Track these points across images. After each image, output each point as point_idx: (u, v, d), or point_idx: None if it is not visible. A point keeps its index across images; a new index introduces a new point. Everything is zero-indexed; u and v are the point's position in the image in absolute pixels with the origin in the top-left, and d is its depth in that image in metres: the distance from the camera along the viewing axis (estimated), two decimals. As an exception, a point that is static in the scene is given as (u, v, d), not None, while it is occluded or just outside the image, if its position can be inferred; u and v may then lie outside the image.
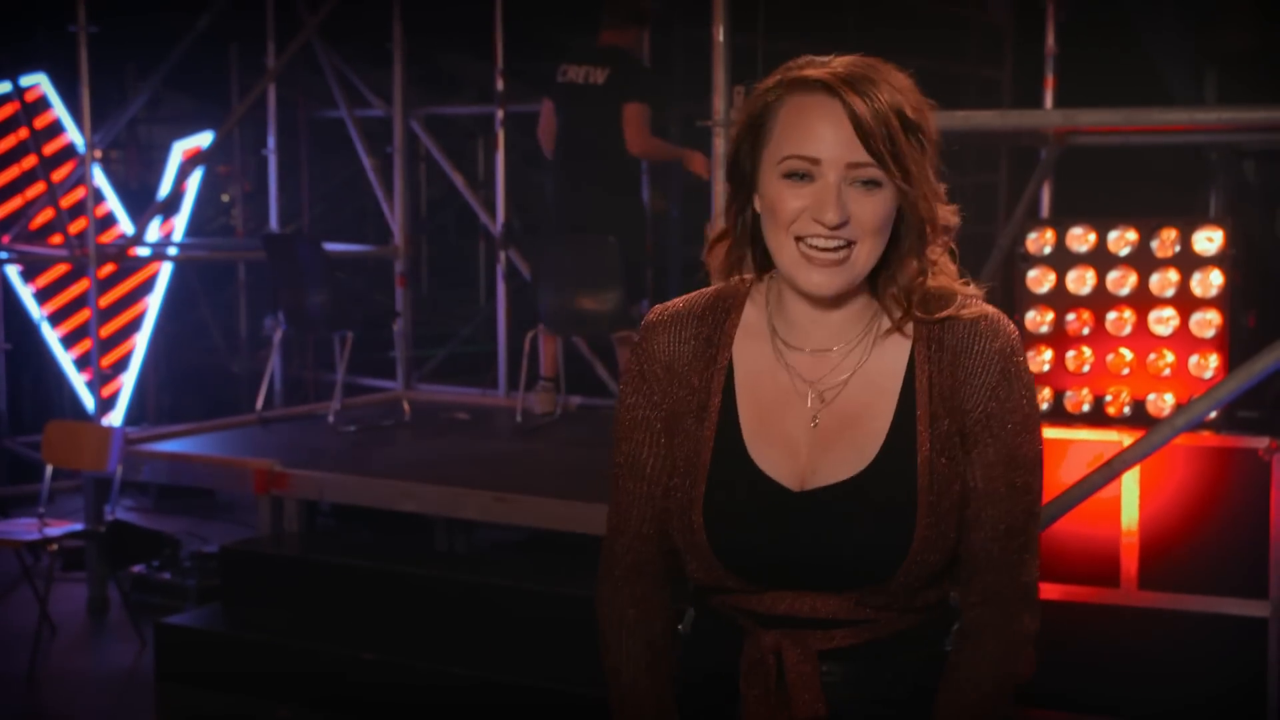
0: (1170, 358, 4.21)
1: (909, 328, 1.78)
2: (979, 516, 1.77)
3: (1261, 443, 4.02)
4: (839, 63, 1.72)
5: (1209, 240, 4.19)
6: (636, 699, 1.89)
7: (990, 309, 1.79)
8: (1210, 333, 4.16)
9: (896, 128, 1.68)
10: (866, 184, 1.69)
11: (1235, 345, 4.21)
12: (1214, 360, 4.16)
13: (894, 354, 1.78)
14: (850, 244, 1.70)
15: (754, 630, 1.79)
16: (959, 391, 1.76)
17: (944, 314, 1.76)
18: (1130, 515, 4.11)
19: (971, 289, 1.80)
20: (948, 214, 1.75)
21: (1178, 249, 4.22)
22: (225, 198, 9.80)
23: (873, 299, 1.79)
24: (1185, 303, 4.20)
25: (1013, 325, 1.80)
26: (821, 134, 1.69)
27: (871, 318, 1.79)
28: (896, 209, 1.72)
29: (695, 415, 1.81)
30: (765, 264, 1.82)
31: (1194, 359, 4.19)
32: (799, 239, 1.71)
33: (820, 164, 1.69)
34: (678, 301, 1.88)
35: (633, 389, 1.86)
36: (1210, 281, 4.18)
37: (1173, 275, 4.21)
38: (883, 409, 1.76)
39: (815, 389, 1.78)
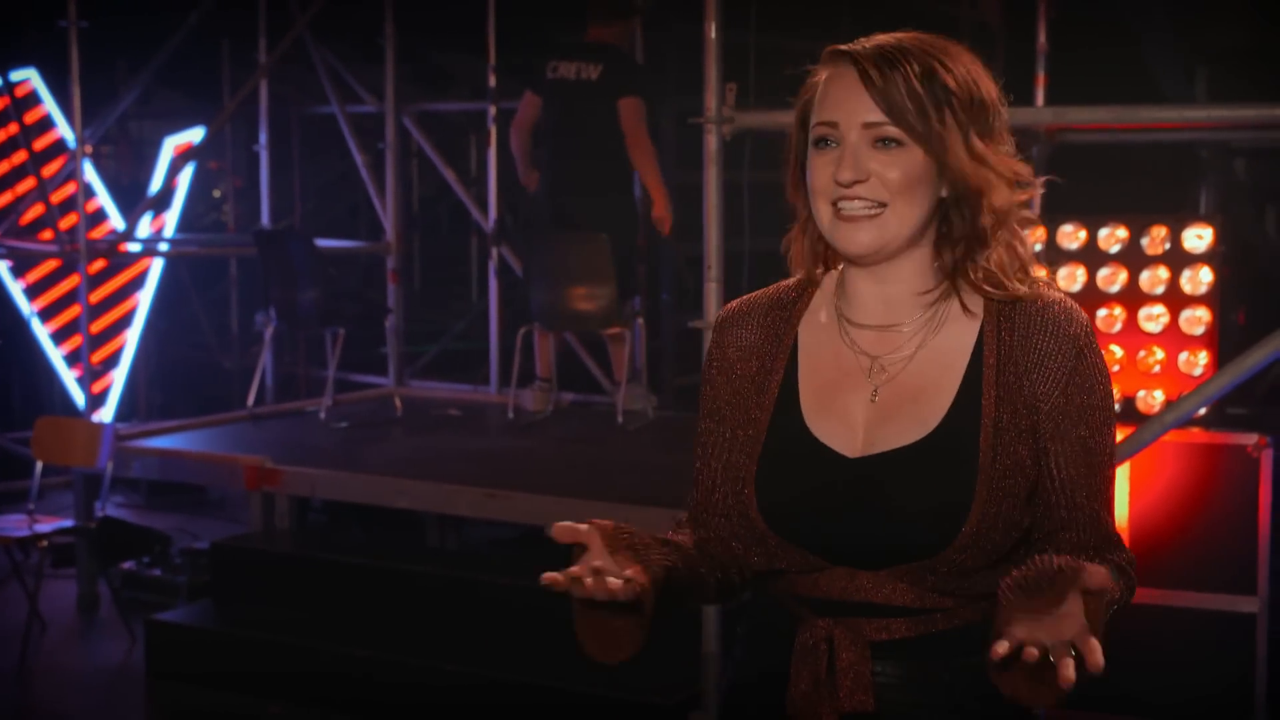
0: (1160, 354, 4.22)
1: (978, 307, 1.78)
2: (1057, 505, 1.76)
3: (1251, 439, 4.03)
4: (880, 36, 1.75)
5: (1199, 237, 4.20)
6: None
7: (1062, 295, 1.79)
8: (1200, 330, 4.17)
9: (918, 89, 1.69)
10: (886, 142, 1.71)
11: (1225, 342, 4.22)
12: (1204, 357, 4.17)
13: (962, 332, 1.78)
14: (881, 205, 1.71)
15: (808, 619, 1.77)
16: (1031, 375, 1.74)
17: (1014, 294, 1.76)
18: (1120, 511, 4.12)
19: (1041, 273, 1.80)
20: (1002, 185, 1.74)
21: (1168, 246, 4.23)
22: (217, 194, 9.79)
23: (938, 276, 1.79)
24: (1175, 300, 4.20)
25: (1084, 314, 1.78)
26: (839, 98, 1.72)
27: (938, 296, 1.79)
28: (932, 173, 1.72)
29: (756, 394, 1.83)
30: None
31: (1184, 356, 4.20)
32: (833, 205, 1.73)
33: (838, 127, 1.72)
34: (753, 294, 1.92)
35: (706, 377, 1.90)
36: (1200, 279, 4.19)
37: (1163, 272, 4.22)
38: (947, 384, 1.76)
39: (878, 364, 1.78)
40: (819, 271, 1.85)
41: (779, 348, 1.84)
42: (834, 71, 1.75)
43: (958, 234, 1.75)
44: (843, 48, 1.75)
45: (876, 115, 1.70)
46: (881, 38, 1.75)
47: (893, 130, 1.70)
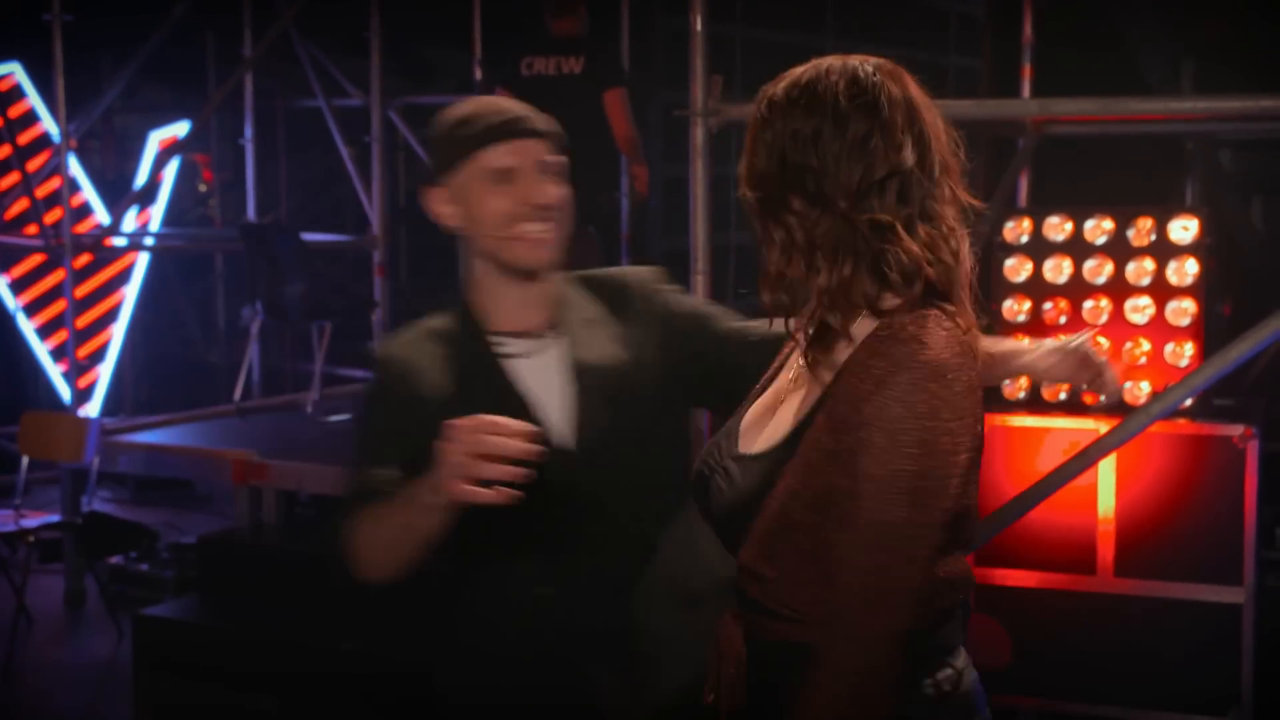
0: (1146, 346, 4.23)
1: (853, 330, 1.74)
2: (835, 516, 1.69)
3: (1236, 430, 4.04)
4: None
5: (1185, 229, 4.21)
6: None
7: (923, 325, 1.69)
8: (1186, 321, 4.18)
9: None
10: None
11: (1211, 333, 4.22)
12: (1189, 348, 4.18)
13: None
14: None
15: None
16: (846, 395, 1.69)
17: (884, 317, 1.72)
18: (1106, 503, 4.13)
19: (890, 299, 1.72)
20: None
21: (1154, 238, 4.23)
22: (202, 188, 9.77)
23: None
24: (1161, 291, 4.21)
25: (934, 334, 1.68)
26: None
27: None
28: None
29: None
30: None
31: (1170, 347, 4.21)
32: None
33: None
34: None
35: None
36: (1186, 270, 4.19)
37: (1149, 264, 4.23)
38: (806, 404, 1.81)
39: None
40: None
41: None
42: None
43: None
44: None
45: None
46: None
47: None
